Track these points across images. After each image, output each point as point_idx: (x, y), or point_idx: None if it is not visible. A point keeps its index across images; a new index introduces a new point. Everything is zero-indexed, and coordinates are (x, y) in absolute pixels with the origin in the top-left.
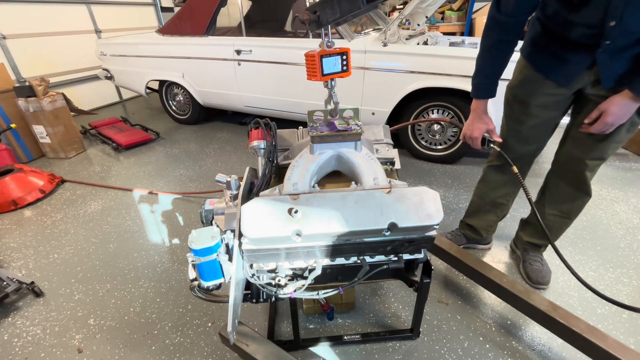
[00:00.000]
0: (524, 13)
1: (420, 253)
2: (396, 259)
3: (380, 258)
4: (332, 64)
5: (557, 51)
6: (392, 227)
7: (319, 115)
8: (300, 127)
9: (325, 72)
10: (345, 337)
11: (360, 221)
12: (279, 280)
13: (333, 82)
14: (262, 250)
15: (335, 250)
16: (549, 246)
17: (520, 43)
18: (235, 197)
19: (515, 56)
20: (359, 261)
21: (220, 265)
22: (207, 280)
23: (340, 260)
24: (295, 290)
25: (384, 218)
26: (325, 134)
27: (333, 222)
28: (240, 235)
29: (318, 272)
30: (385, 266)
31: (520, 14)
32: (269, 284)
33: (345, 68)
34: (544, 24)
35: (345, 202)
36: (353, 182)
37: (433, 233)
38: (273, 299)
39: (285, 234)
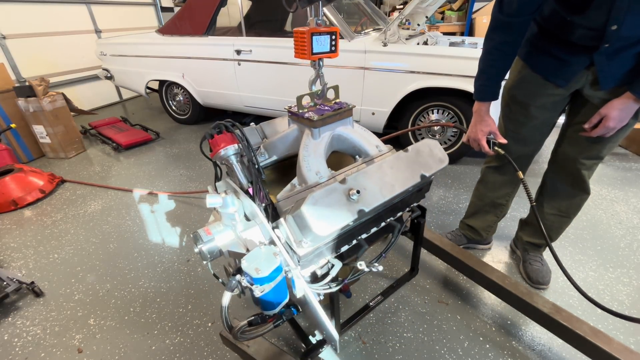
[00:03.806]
0: (527, 13)
1: (424, 198)
2: (410, 210)
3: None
4: (321, 43)
5: (555, 52)
6: (422, 178)
7: (308, 99)
8: (252, 124)
9: (314, 51)
10: (371, 304)
11: (402, 182)
12: (329, 274)
13: (321, 62)
14: (317, 249)
15: (376, 219)
16: None
17: None
18: (249, 213)
19: None
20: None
21: (293, 281)
22: (274, 308)
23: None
24: (354, 275)
25: (415, 173)
26: (325, 115)
27: (384, 191)
28: (287, 243)
29: (365, 246)
30: (410, 218)
31: (524, 14)
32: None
33: (333, 49)
34: (540, 24)
35: (383, 171)
36: (357, 157)
37: (432, 177)
38: (321, 297)
39: (353, 217)
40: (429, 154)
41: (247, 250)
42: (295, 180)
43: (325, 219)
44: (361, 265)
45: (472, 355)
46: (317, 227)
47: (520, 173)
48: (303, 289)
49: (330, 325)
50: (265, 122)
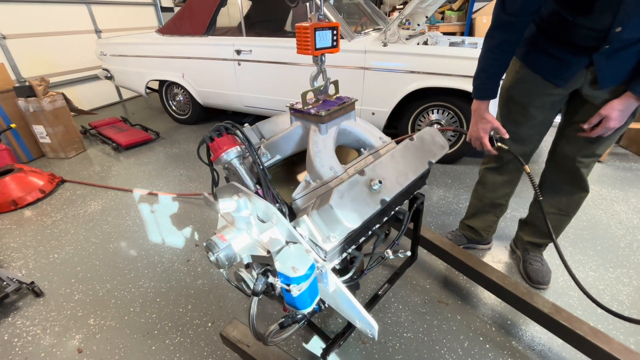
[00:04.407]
0: (529, 13)
1: (425, 185)
2: (413, 197)
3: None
4: (324, 39)
5: (554, 52)
6: (429, 164)
7: (311, 95)
8: (246, 125)
9: (318, 47)
10: (379, 293)
11: (414, 169)
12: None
13: (323, 58)
14: (340, 243)
15: (386, 209)
16: (549, 245)
17: None
18: (264, 215)
19: None
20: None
21: (325, 276)
22: (309, 306)
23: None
24: (371, 265)
25: (423, 160)
26: (332, 110)
27: (400, 179)
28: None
29: (382, 236)
30: (416, 207)
31: (526, 14)
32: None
33: (335, 44)
34: (539, 24)
35: (396, 160)
36: (362, 149)
37: (432, 164)
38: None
39: (377, 207)
40: (431, 142)
41: (268, 252)
42: (307, 177)
43: (353, 211)
44: (387, 253)
45: (472, 355)
46: (348, 219)
47: (527, 167)
48: (335, 283)
49: (367, 315)
50: (261, 122)
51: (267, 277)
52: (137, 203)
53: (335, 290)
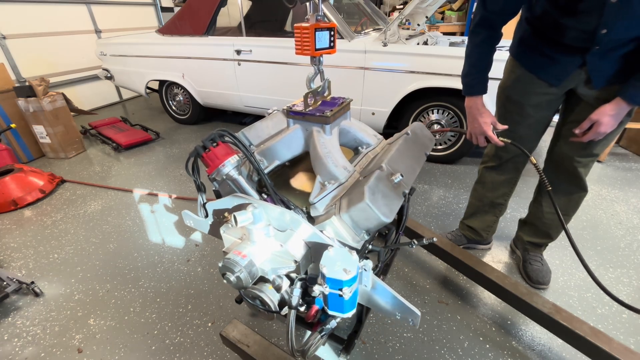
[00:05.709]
0: (510, 12)
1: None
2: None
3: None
4: (322, 39)
5: (548, 51)
6: (425, 156)
7: (311, 96)
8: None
9: (317, 47)
10: None
11: (417, 161)
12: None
13: (321, 59)
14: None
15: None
16: (549, 245)
17: (504, 41)
18: (279, 223)
19: (502, 55)
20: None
21: (364, 276)
22: (354, 307)
23: None
24: (384, 259)
25: (421, 152)
26: (335, 110)
27: (410, 171)
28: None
29: (393, 229)
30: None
31: (507, 13)
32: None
33: (332, 44)
34: (533, 24)
35: (402, 152)
36: (359, 148)
37: (427, 155)
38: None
39: (402, 200)
40: (422, 135)
41: (295, 261)
42: (319, 179)
43: (385, 206)
44: (414, 243)
45: (472, 355)
46: (384, 214)
47: (532, 158)
48: (373, 280)
49: (409, 303)
50: (246, 128)
51: (312, 286)
52: (137, 203)
53: (374, 287)
